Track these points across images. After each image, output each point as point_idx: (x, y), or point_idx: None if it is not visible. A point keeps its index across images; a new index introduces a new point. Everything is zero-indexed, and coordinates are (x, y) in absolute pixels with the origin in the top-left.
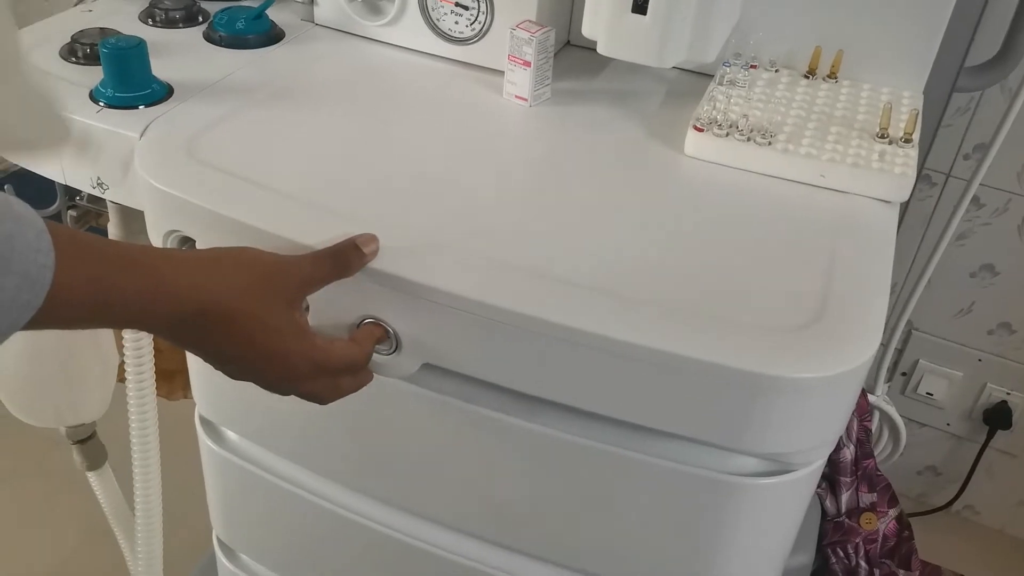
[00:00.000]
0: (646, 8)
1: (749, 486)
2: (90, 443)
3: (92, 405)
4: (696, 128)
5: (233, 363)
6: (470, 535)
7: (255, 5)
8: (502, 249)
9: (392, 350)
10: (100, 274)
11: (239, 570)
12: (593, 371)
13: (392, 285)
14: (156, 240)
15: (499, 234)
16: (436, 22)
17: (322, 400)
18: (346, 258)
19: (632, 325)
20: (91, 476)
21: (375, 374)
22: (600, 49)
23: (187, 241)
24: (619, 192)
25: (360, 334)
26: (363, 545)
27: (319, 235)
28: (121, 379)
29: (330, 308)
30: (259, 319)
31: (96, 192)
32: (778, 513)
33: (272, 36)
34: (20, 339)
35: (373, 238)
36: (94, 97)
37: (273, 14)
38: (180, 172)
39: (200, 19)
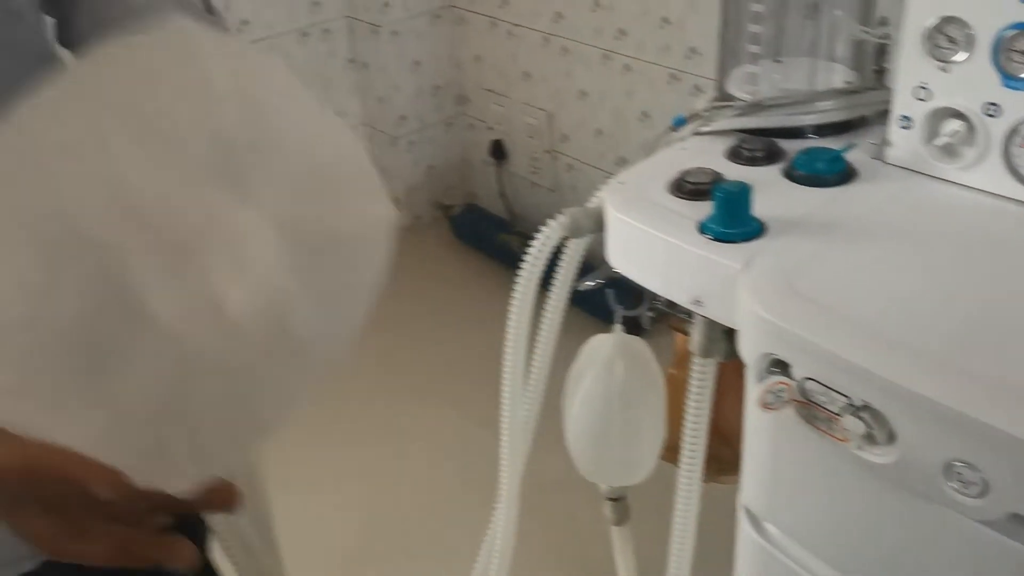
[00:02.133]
0: None
1: None
2: (621, 503)
3: (637, 472)
4: None
5: None
6: None
7: (829, 145)
8: None
9: (980, 493)
10: None
11: None
12: None
13: (987, 433)
14: (750, 359)
15: None
16: (1017, 168)
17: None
18: None
19: None
20: (615, 530)
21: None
22: None
23: (779, 364)
24: None
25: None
26: None
27: (899, 369)
28: (665, 457)
29: (916, 446)
30: None
31: (691, 307)
32: None
33: (846, 175)
34: (590, 414)
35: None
36: (702, 230)
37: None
38: (782, 303)
39: (778, 158)
